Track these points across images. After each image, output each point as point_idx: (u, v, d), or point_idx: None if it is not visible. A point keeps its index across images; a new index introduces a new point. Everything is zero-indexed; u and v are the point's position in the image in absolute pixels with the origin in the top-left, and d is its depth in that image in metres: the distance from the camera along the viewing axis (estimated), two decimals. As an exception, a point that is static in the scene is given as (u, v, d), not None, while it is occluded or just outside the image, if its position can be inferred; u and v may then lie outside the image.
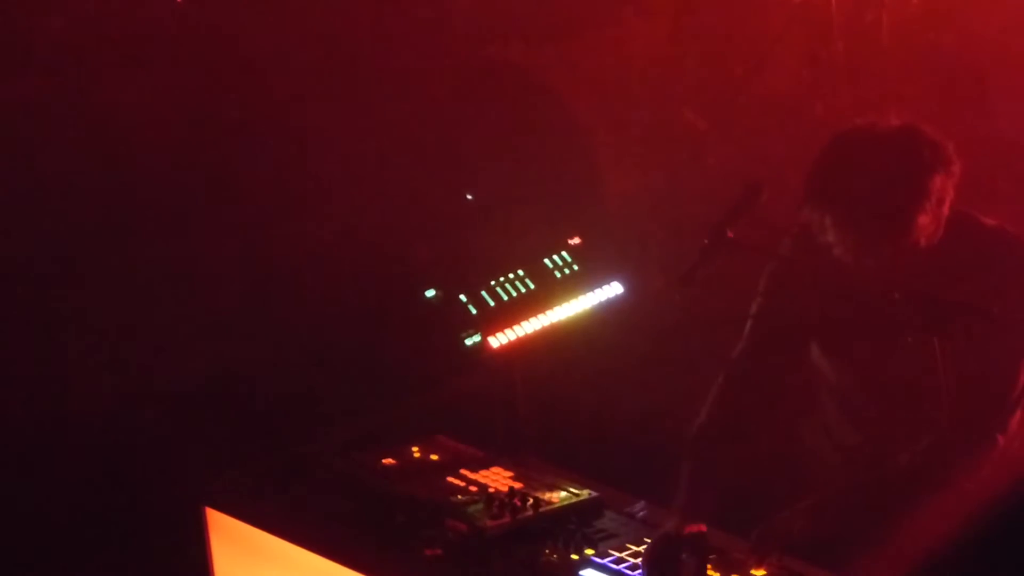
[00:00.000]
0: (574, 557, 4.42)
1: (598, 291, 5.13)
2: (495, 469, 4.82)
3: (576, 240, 5.15)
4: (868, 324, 4.88)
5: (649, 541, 4.48)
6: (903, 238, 4.64)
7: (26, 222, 7.95)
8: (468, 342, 4.90)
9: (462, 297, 4.94)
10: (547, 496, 4.67)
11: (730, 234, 4.69)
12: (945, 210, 4.70)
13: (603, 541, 4.51)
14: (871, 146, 4.75)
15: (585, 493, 4.70)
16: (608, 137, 7.64)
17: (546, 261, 5.10)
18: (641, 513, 4.68)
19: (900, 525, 4.71)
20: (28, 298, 7.85)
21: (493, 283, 4.99)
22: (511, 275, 5.02)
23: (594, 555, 4.43)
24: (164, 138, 8.36)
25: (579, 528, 4.56)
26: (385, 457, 4.87)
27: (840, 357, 4.99)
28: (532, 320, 4.99)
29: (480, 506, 4.61)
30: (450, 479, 4.76)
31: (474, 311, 4.92)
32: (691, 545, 4.45)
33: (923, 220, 4.63)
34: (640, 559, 4.49)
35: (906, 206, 4.63)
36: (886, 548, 4.72)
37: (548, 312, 5.03)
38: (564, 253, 5.13)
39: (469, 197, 6.73)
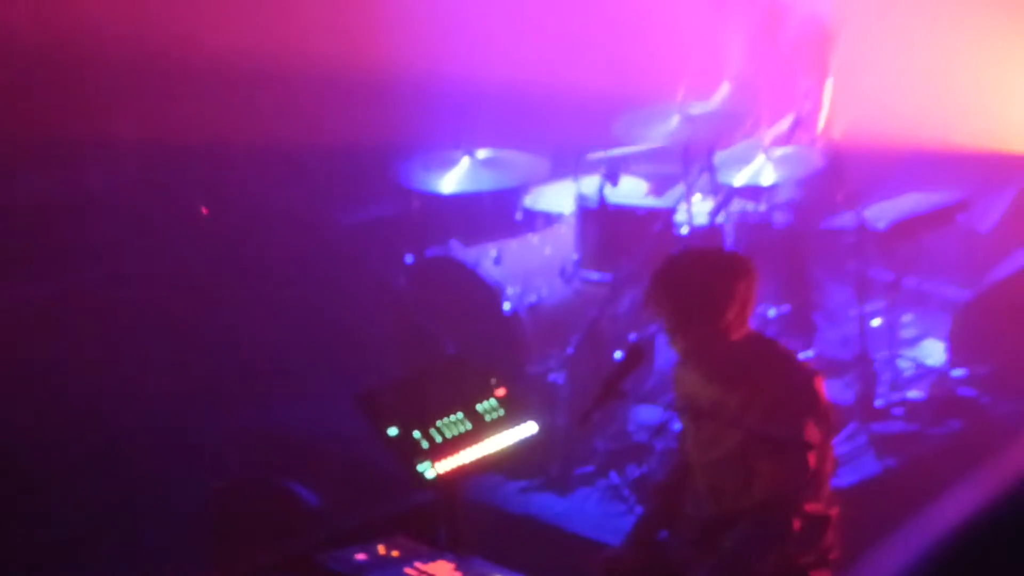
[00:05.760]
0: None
1: (518, 429, 5.17)
2: (442, 562, 4.81)
3: (501, 391, 5.18)
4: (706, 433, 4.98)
5: None
6: (711, 330, 4.81)
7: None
8: (420, 468, 4.91)
9: (416, 434, 4.95)
10: (481, 584, 4.69)
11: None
12: (747, 311, 4.85)
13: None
14: (691, 261, 4.99)
15: (509, 580, 4.72)
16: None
17: (478, 407, 5.12)
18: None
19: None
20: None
21: (439, 424, 5.01)
22: (452, 418, 5.04)
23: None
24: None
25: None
26: (357, 552, 4.84)
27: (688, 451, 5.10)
28: (468, 451, 5.02)
29: (431, 593, 4.63)
30: (408, 571, 4.75)
31: (425, 445, 4.94)
32: None
33: (730, 314, 4.82)
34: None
35: (716, 302, 4.81)
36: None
37: (480, 445, 5.05)
38: (492, 400, 5.15)
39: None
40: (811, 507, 4.87)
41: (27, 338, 8.19)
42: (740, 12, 7.51)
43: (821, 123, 7.35)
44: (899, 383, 7.21)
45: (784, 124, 7.26)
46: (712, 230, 6.89)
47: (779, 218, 7.20)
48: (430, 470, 4.93)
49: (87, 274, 8.69)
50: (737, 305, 4.83)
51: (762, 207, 7.15)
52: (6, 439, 7.21)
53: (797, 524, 4.79)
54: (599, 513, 6.63)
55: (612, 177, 6.84)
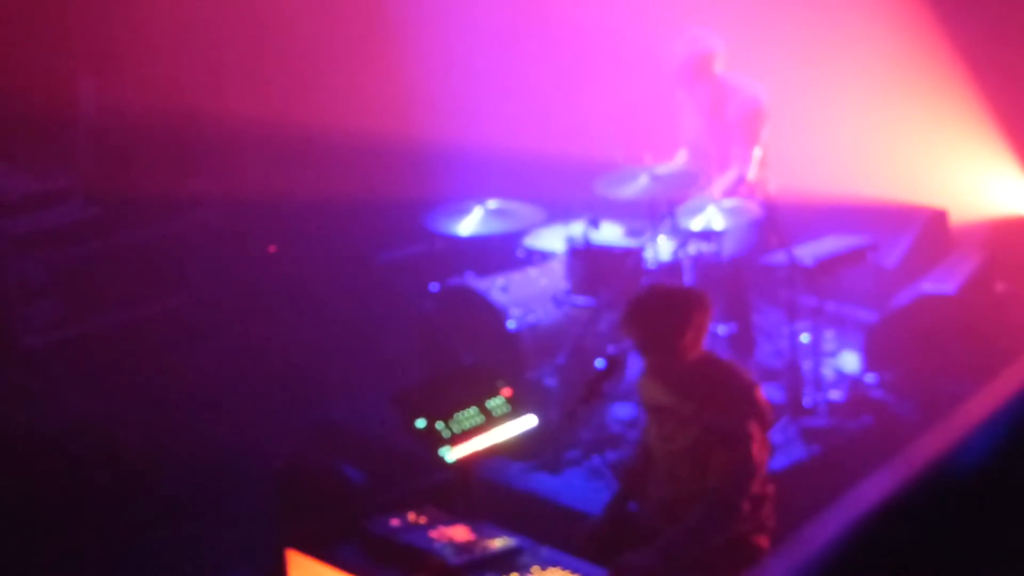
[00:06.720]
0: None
1: (520, 421, 5.15)
2: (459, 526, 4.83)
3: (507, 392, 5.16)
4: (666, 429, 4.96)
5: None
6: (672, 350, 4.78)
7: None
8: (442, 452, 4.91)
9: (438, 425, 4.95)
10: (490, 543, 4.72)
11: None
12: (701, 336, 4.80)
13: (520, 569, 4.60)
14: (657, 296, 4.93)
15: (512, 541, 4.74)
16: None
17: (488, 404, 5.10)
18: (545, 553, 4.73)
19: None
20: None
21: (457, 417, 4.99)
22: (467, 412, 5.02)
23: (516, 578, 4.49)
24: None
25: (509, 561, 4.64)
26: (393, 519, 4.87)
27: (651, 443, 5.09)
28: (480, 439, 5.00)
29: (450, 549, 4.66)
30: (432, 533, 4.78)
31: (446, 434, 4.93)
32: None
33: (687, 338, 4.78)
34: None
35: (674, 329, 4.77)
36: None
37: (490, 434, 5.04)
38: (500, 398, 5.13)
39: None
40: (754, 487, 4.83)
41: (137, 347, 8.22)
42: (694, 95, 7.54)
43: (757, 181, 7.34)
44: (822, 386, 7.17)
45: (728, 181, 7.29)
46: (673, 265, 6.90)
47: (726, 256, 7.19)
48: (450, 454, 4.92)
49: (181, 299, 8.72)
50: (692, 332, 4.80)
51: (713, 247, 7.14)
52: (121, 425, 7.19)
53: (747, 506, 4.77)
54: (584, 489, 6.57)
55: (594, 223, 6.88)
